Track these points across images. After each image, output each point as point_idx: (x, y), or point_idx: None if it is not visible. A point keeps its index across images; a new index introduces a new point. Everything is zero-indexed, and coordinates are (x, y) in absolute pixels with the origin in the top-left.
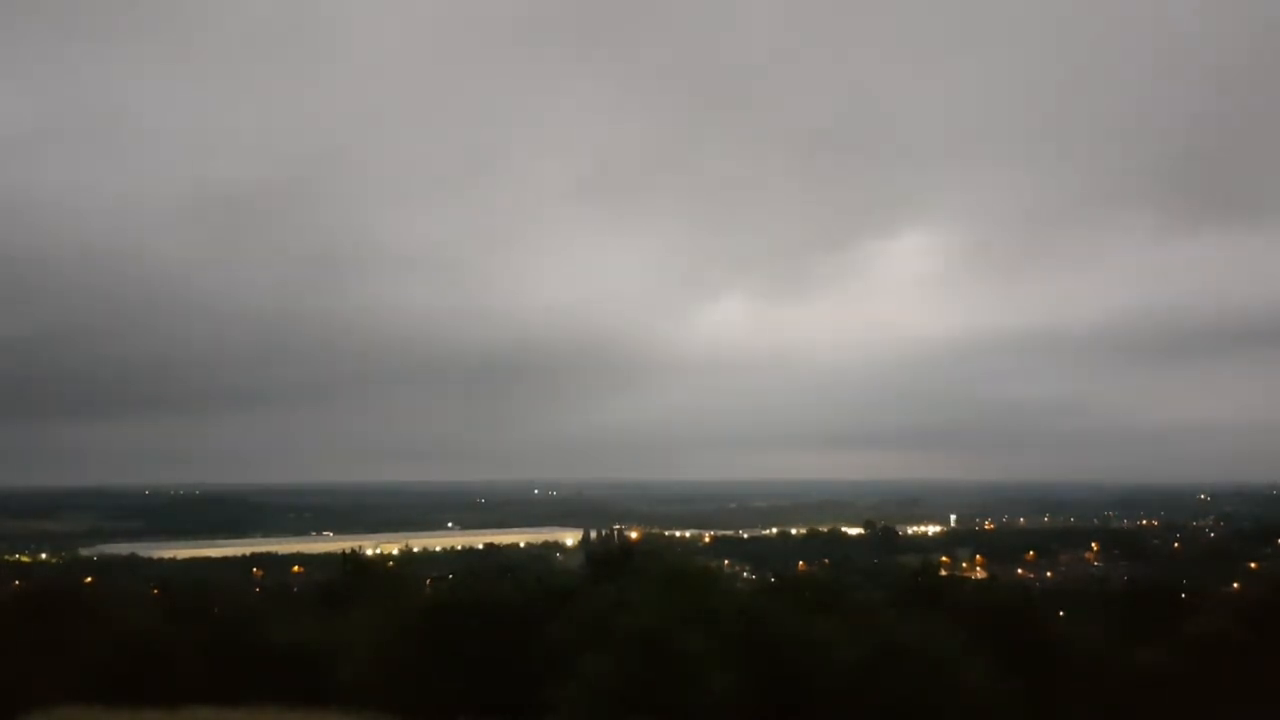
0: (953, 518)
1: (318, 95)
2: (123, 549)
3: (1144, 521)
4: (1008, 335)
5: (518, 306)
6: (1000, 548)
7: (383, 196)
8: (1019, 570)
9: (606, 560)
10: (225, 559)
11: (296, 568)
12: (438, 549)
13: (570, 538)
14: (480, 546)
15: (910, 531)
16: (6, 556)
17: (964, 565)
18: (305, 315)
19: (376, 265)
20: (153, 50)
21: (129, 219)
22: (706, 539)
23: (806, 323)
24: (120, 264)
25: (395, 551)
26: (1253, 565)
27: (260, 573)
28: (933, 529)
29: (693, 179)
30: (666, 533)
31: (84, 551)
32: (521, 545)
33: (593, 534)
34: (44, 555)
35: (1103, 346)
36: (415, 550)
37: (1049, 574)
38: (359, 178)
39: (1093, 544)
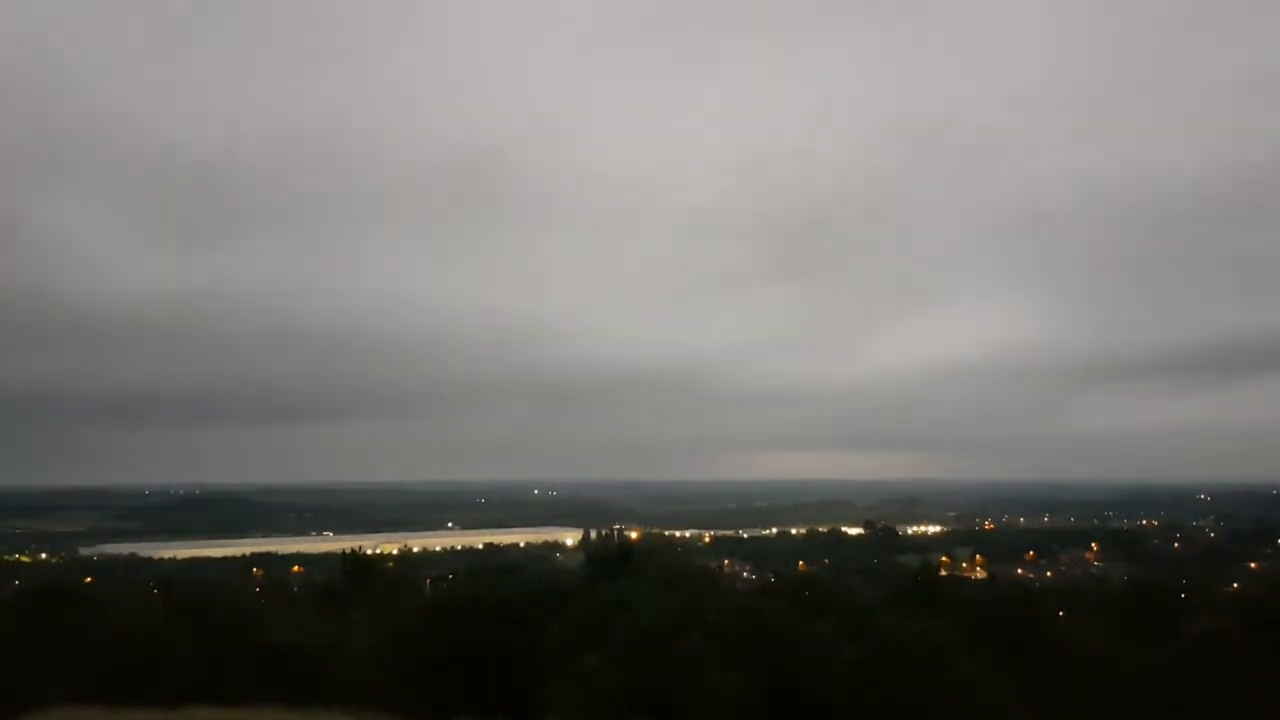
0: (953, 517)
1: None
2: (123, 549)
3: (1144, 521)
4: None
5: (616, 358)
6: (1000, 548)
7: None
8: (1019, 570)
9: (606, 560)
10: (225, 559)
11: (296, 568)
12: (438, 549)
13: (570, 538)
14: (480, 546)
15: (910, 531)
16: (6, 556)
17: (964, 565)
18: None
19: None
20: None
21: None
22: (706, 539)
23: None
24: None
25: (395, 551)
26: (1253, 565)
27: (260, 573)
28: (933, 529)
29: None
30: (666, 533)
31: (84, 551)
32: (521, 545)
33: (593, 534)
34: (44, 555)
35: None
36: (415, 550)
37: (1049, 574)
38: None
39: (1093, 544)
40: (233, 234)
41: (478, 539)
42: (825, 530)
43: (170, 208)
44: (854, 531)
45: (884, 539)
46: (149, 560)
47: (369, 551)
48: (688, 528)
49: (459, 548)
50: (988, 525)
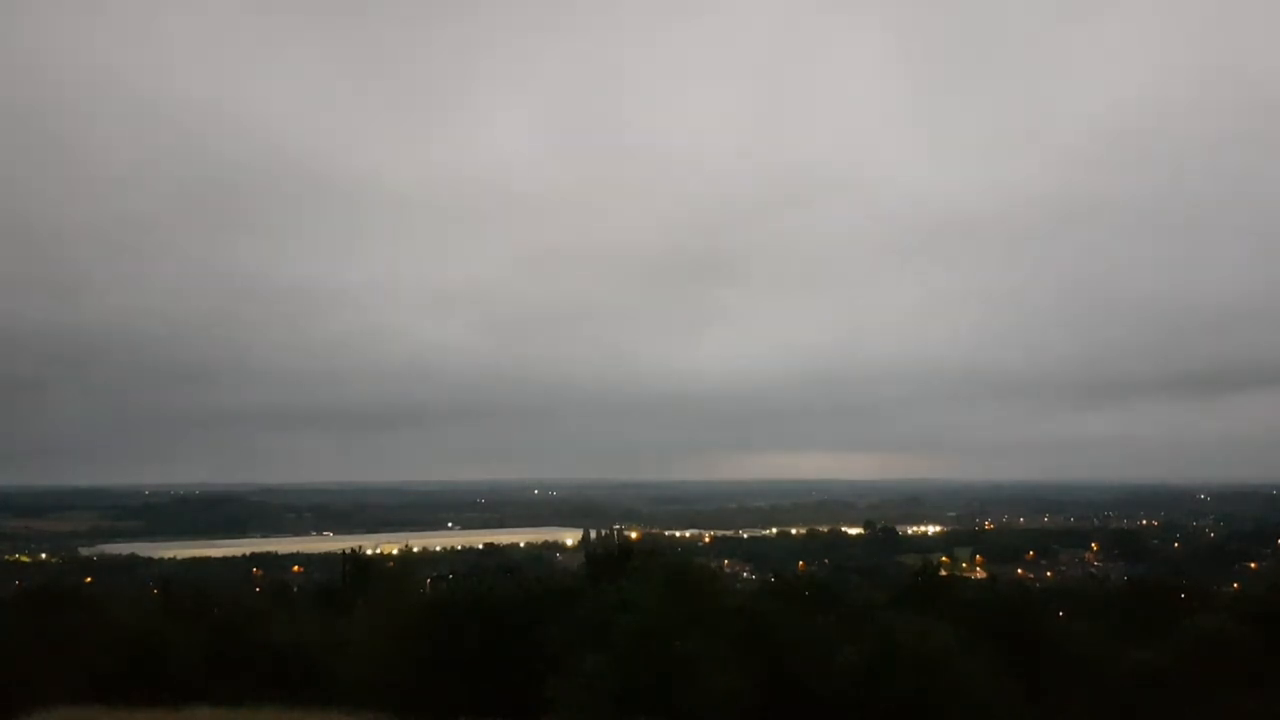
0: (953, 517)
1: None
2: (123, 549)
3: (1144, 521)
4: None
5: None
6: (1000, 548)
7: None
8: (1019, 570)
9: (606, 560)
10: (225, 559)
11: (296, 568)
12: (438, 549)
13: (570, 538)
14: (480, 546)
15: (910, 531)
16: (6, 556)
17: (964, 565)
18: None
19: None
20: None
21: None
22: (706, 539)
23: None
24: None
25: (395, 551)
26: (1253, 565)
27: (260, 573)
28: (933, 529)
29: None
30: (666, 533)
31: (84, 551)
32: (521, 545)
33: (593, 534)
34: (44, 555)
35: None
36: (415, 550)
37: (1049, 574)
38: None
39: (1093, 544)
40: None
41: (478, 539)
42: (825, 530)
43: None
44: (854, 532)
45: (884, 539)
46: (149, 560)
47: (369, 551)
48: (688, 528)
49: (459, 548)
50: (988, 525)
